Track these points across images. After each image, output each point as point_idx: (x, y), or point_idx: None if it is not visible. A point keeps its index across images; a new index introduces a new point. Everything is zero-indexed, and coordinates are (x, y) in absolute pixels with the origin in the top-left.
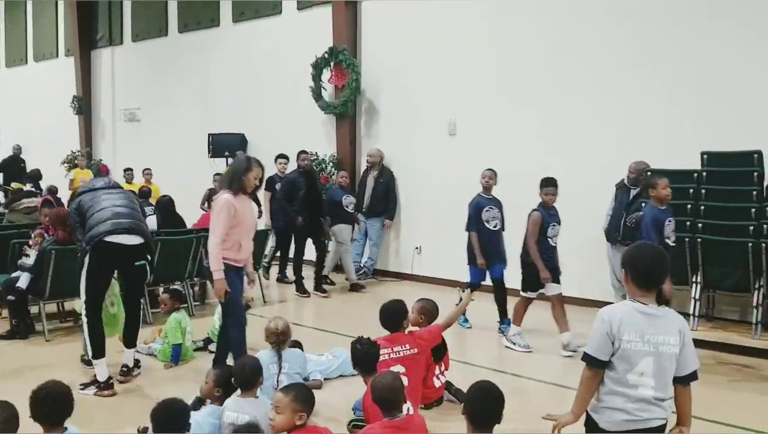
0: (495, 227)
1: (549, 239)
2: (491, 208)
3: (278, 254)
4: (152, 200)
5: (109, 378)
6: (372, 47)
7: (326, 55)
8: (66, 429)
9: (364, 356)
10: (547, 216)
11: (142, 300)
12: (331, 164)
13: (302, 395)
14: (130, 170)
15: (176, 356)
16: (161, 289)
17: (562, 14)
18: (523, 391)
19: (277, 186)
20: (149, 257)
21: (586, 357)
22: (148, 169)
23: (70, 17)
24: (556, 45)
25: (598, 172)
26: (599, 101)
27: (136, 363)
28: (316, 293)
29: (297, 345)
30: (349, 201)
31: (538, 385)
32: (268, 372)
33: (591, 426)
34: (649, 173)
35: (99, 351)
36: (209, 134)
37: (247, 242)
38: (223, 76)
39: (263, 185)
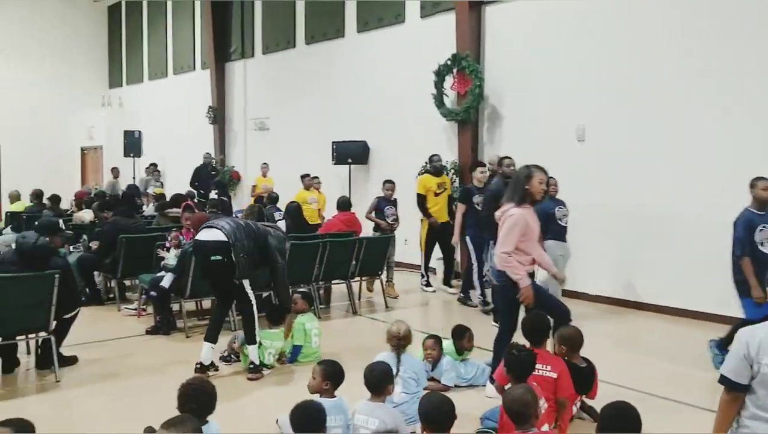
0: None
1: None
2: (765, 227)
3: (442, 264)
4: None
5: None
6: (495, 52)
7: (449, 62)
8: (207, 422)
9: (521, 363)
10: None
11: (241, 303)
12: (452, 171)
13: (331, 369)
14: (266, 164)
15: (293, 355)
16: (291, 291)
17: (705, 8)
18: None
19: (476, 198)
20: (230, 257)
21: (723, 380)
22: (266, 163)
23: (206, 32)
24: (697, 42)
25: (743, 179)
26: (738, 105)
27: (213, 364)
28: None
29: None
30: (562, 213)
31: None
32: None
33: None
34: None
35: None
36: (333, 142)
37: (537, 252)
38: (346, 84)
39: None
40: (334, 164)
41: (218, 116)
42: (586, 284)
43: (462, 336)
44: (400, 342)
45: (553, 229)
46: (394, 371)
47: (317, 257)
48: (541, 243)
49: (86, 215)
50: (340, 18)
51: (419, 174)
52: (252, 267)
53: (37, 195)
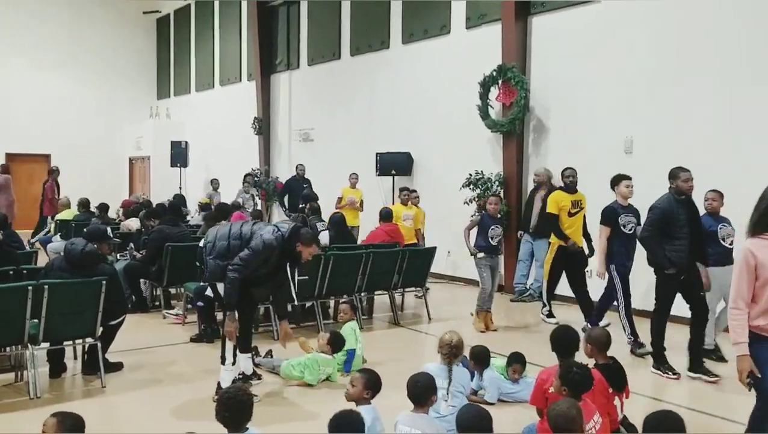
0: None
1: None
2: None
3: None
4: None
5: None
6: (541, 63)
7: (494, 73)
8: (247, 429)
9: (579, 381)
10: None
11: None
12: (497, 183)
13: (372, 378)
14: (355, 174)
15: (350, 360)
16: (341, 302)
17: (757, 19)
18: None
19: (622, 219)
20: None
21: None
22: (355, 174)
23: (252, 44)
24: (745, 62)
25: None
26: None
27: (255, 373)
28: (698, 376)
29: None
30: (726, 232)
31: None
32: (438, 386)
33: None
34: None
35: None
36: (377, 153)
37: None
38: (390, 96)
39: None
40: (378, 175)
41: (263, 126)
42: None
43: (510, 364)
44: (452, 350)
45: (716, 252)
46: (446, 383)
47: (360, 268)
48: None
49: (133, 224)
50: (386, 29)
51: (489, 193)
52: (227, 293)
53: (84, 204)
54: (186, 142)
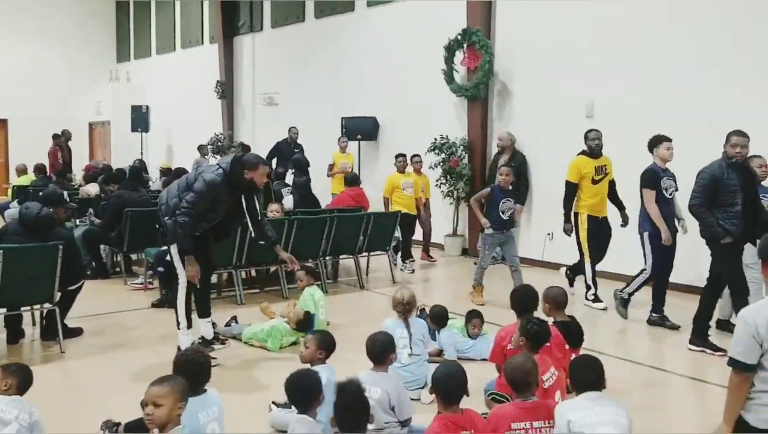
0: None
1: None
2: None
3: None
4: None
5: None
6: (506, 28)
7: (459, 37)
8: (206, 391)
9: (537, 332)
10: None
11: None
12: (461, 147)
13: (325, 338)
14: (345, 139)
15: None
16: (297, 269)
17: None
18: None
19: (665, 182)
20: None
21: (733, 362)
22: (345, 138)
23: (214, 6)
24: (705, 20)
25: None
26: (749, 81)
27: (217, 338)
28: (700, 349)
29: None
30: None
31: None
32: (397, 339)
33: (740, 424)
34: None
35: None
36: (342, 118)
37: None
38: (356, 60)
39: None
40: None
41: (226, 90)
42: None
43: (469, 320)
44: (405, 307)
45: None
46: (406, 334)
47: (324, 233)
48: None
49: (92, 189)
50: None
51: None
52: (178, 237)
53: (40, 169)
54: (147, 106)
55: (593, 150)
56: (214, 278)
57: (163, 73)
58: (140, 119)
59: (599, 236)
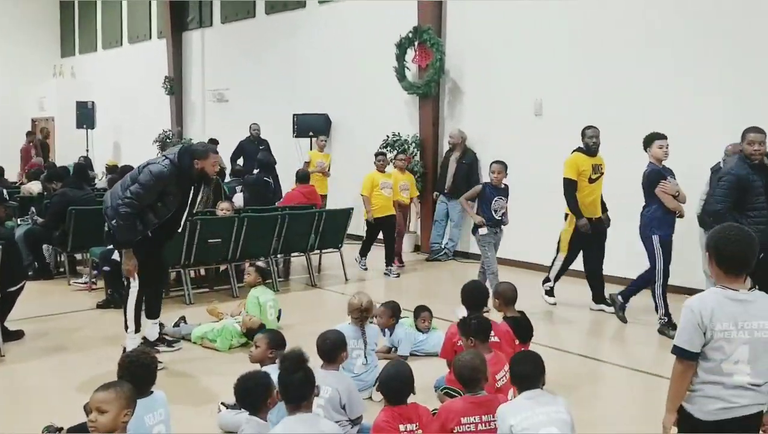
0: None
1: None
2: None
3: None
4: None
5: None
6: (457, 26)
7: (410, 35)
8: (152, 392)
9: (477, 327)
10: None
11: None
12: (413, 145)
13: (275, 337)
14: (323, 138)
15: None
16: (247, 264)
17: None
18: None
19: (671, 181)
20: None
21: (677, 350)
22: (323, 138)
23: (162, 0)
24: (649, 24)
25: (690, 156)
26: (694, 83)
27: (163, 339)
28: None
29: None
30: None
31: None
32: (353, 347)
33: (684, 417)
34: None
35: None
36: (294, 114)
37: None
38: (308, 56)
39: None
40: (295, 136)
41: (175, 86)
42: (538, 256)
43: (418, 315)
44: (362, 314)
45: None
46: (362, 344)
47: (275, 231)
48: None
49: (34, 187)
50: None
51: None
52: (120, 229)
53: None
54: (93, 102)
55: (590, 148)
56: None
57: (110, 68)
58: (86, 116)
59: (595, 237)
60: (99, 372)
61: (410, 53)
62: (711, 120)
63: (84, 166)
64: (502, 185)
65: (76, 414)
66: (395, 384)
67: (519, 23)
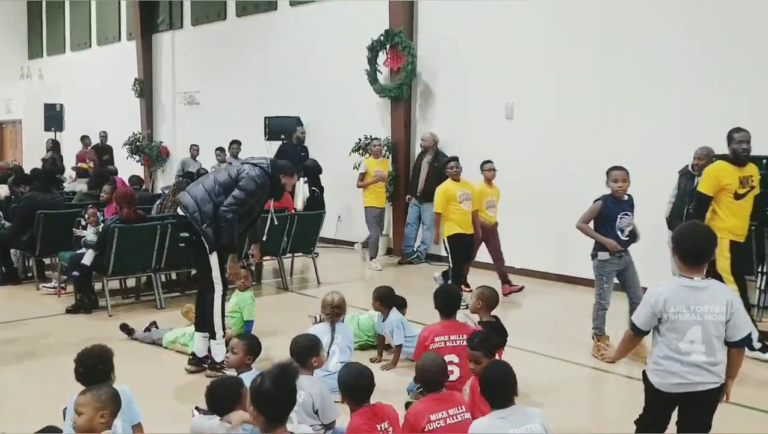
0: None
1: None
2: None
3: None
4: None
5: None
6: (428, 30)
7: (382, 38)
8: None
9: (449, 298)
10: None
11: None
12: (385, 147)
13: (252, 343)
14: (377, 139)
15: (248, 331)
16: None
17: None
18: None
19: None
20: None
21: (632, 326)
22: (377, 139)
23: (131, 2)
24: (616, 30)
25: (656, 159)
26: (661, 87)
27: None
28: None
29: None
30: None
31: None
32: (327, 343)
33: (649, 386)
34: (714, 158)
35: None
36: (265, 117)
37: None
38: (280, 59)
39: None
40: (267, 139)
41: (145, 89)
42: (517, 259)
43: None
44: (334, 310)
45: None
46: (330, 340)
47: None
48: None
49: (1, 191)
50: None
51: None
52: (228, 234)
53: None
54: (61, 105)
55: (738, 156)
56: (132, 282)
57: (79, 70)
58: (54, 118)
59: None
60: (68, 378)
61: (382, 56)
62: (680, 124)
63: (53, 169)
64: (626, 197)
65: (44, 420)
66: (357, 385)
67: (490, 27)
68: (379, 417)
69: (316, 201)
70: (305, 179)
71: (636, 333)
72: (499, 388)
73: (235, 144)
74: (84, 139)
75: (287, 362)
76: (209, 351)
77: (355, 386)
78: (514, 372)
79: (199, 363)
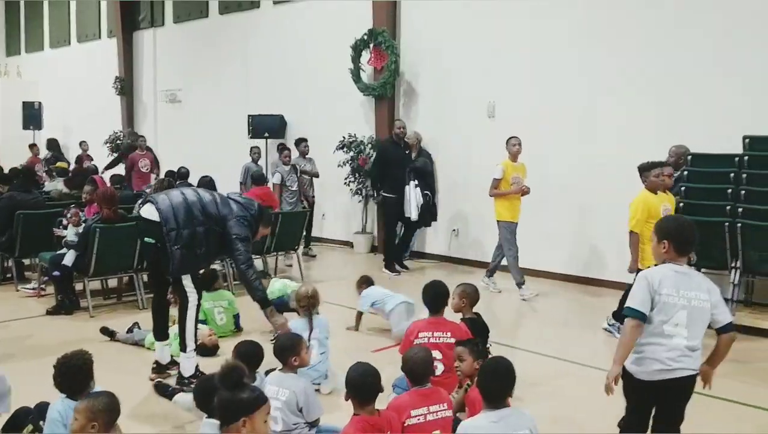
0: None
1: None
2: None
3: None
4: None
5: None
6: (411, 29)
7: (365, 37)
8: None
9: (436, 295)
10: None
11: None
12: (369, 146)
13: (248, 351)
14: (516, 138)
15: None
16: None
17: None
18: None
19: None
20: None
21: (630, 311)
22: (516, 137)
23: None
24: (595, 28)
25: (638, 156)
26: (638, 85)
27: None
28: None
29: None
30: None
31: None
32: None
33: (627, 376)
34: (689, 157)
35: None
36: (249, 115)
37: None
38: (263, 57)
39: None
40: (251, 137)
41: (126, 87)
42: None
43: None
44: (310, 301)
45: None
46: (308, 333)
47: None
48: None
49: None
50: None
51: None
52: (195, 261)
53: None
54: (40, 103)
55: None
56: (113, 283)
57: (58, 68)
58: (32, 116)
59: None
60: (49, 380)
61: (365, 55)
62: (659, 120)
63: (31, 169)
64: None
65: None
66: (363, 383)
67: (473, 26)
68: (377, 428)
69: (429, 208)
70: (416, 182)
71: (633, 317)
72: (496, 384)
73: (303, 142)
74: (82, 144)
75: (232, 364)
76: (177, 364)
77: (361, 383)
78: (515, 369)
79: (162, 370)
